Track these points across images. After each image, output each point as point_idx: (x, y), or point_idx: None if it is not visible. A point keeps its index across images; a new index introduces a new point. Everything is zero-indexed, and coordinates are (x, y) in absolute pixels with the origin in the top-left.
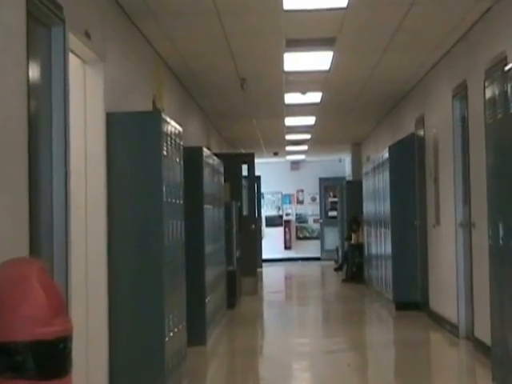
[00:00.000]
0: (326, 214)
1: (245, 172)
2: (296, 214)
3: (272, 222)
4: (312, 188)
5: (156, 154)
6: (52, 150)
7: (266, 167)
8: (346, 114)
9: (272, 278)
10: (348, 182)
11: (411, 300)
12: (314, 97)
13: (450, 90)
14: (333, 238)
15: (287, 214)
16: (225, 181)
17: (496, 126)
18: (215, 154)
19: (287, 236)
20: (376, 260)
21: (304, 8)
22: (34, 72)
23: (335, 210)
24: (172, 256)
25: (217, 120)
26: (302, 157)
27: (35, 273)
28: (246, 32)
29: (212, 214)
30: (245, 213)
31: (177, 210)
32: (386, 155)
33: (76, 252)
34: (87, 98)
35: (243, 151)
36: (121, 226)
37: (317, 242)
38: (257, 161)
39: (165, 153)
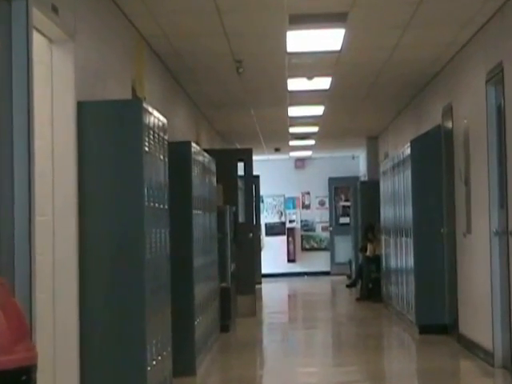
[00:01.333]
0: (337, 220)
1: (241, 171)
2: (301, 221)
3: (273, 230)
4: (320, 190)
5: (136, 150)
6: (13, 147)
7: (265, 166)
8: (360, 103)
9: (273, 296)
10: (363, 183)
11: (437, 322)
12: (323, 82)
13: (484, 74)
14: (345, 248)
15: (291, 221)
16: (217, 182)
17: None
18: (206, 150)
19: (291, 247)
20: (396, 275)
21: None
22: None
23: (347, 215)
24: (155, 271)
25: (208, 110)
26: (308, 153)
27: None
28: (242, 6)
29: (202, 220)
30: (241, 219)
31: (161, 217)
32: (408, 151)
33: (41, 267)
34: (54, 84)
35: (239, 147)
36: (94, 235)
37: (326, 254)
38: (255, 158)
39: (146, 149)
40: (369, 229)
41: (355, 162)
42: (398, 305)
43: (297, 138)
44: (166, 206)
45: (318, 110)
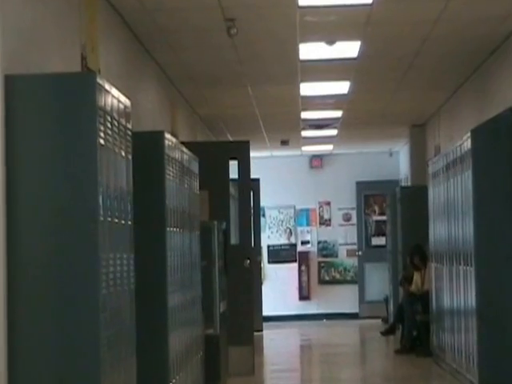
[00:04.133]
0: (368, 241)
1: (234, 173)
2: (319, 243)
3: (279, 255)
4: (345, 199)
5: (87, 143)
6: None
7: (268, 165)
8: (401, 78)
9: (279, 347)
10: (404, 190)
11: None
12: (349, 48)
13: None
14: (379, 281)
15: (304, 243)
16: (201, 188)
17: None
18: (185, 144)
19: (304, 278)
20: (450, 318)
21: None
22: None
23: (383, 235)
24: (114, 313)
25: (188, 88)
26: (328, 148)
27: None
28: None
29: (180, 242)
30: (234, 241)
31: (122, 237)
32: (468, 144)
33: None
34: None
35: (231, 139)
36: (27, 260)
37: (353, 289)
38: (254, 155)
39: (102, 142)
40: (416, 252)
41: (393, 161)
42: (454, 360)
43: (312, 126)
44: (130, 222)
45: (341, 88)
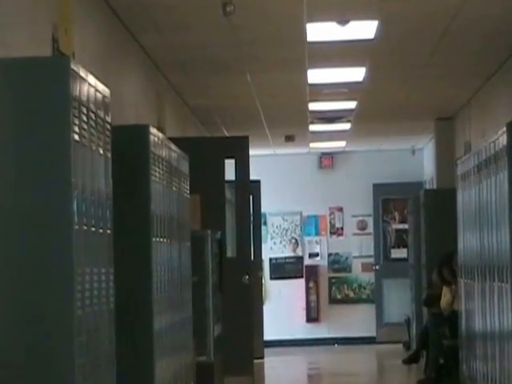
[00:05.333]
0: (387, 254)
1: (231, 174)
2: (329, 255)
3: (283, 270)
4: (360, 204)
5: (59, 138)
6: None
7: (271, 165)
8: (426, 62)
9: (283, 377)
10: (429, 193)
11: None
12: (364, 28)
13: None
14: (400, 300)
15: (312, 255)
16: (192, 191)
17: None
18: (173, 140)
19: (312, 297)
20: (483, 343)
21: None
22: None
23: (404, 246)
24: (91, 337)
25: (177, 75)
26: (340, 144)
27: None
28: None
29: (168, 254)
30: (230, 253)
31: (100, 249)
32: (504, 141)
33: None
34: None
35: (228, 134)
36: None
37: (369, 309)
38: (253, 152)
39: (76, 137)
40: (445, 262)
41: (416, 160)
42: None
43: (322, 119)
44: (110, 231)
45: (356, 74)
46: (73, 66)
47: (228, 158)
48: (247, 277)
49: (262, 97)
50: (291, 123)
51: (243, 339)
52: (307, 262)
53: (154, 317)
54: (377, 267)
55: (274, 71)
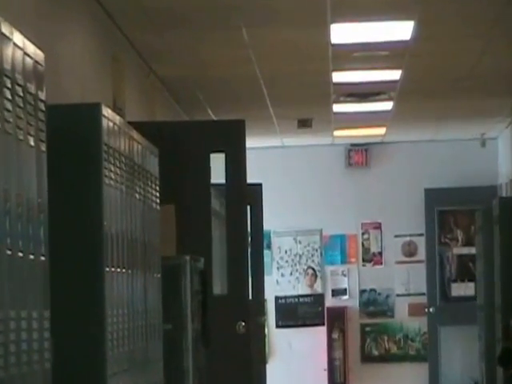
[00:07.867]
0: (446, 290)
1: (220, 176)
2: (362, 293)
3: (294, 314)
4: (405, 219)
5: None
6: None
7: (277, 162)
8: (499, 13)
9: None
10: (506, 202)
11: None
12: None
13: None
14: (464, 356)
15: (337, 293)
16: (163, 200)
17: None
18: (136, 126)
19: (337, 353)
20: None
21: None
22: None
23: (471, 279)
24: None
25: (141, 31)
26: (377, 132)
27: None
28: None
29: (128, 291)
30: (217, 289)
31: (31, 282)
32: None
33: None
34: None
35: (215, 118)
36: None
37: (420, 369)
38: (252, 144)
39: None
40: None
41: (487, 154)
42: None
43: (351, 96)
44: (44, 258)
45: (400, 32)
46: None
47: (216, 151)
48: (243, 324)
49: (264, 63)
50: (307, 102)
51: None
52: (330, 302)
53: (107, 381)
54: (431, 310)
55: (282, 27)
